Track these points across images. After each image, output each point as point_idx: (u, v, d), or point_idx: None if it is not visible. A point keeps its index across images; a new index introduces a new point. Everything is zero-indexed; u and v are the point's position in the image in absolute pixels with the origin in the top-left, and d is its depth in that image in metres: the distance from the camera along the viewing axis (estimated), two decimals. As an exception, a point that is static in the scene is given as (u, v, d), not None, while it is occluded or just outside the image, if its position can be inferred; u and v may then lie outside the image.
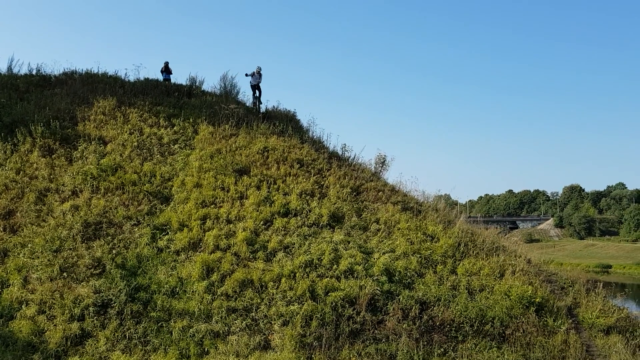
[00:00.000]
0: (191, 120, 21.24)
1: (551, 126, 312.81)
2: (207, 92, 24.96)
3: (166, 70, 25.87)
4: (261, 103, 24.46)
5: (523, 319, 13.03)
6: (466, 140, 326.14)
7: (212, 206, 16.50)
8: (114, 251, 14.33)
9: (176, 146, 19.61)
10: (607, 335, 13.22)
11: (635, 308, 16.14)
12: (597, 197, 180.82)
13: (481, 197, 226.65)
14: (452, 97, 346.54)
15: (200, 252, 14.63)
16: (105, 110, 21.02)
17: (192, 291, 13.29)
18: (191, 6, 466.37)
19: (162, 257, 14.40)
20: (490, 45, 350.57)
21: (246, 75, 24.16)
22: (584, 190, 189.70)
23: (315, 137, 22.28)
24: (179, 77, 26.80)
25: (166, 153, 19.16)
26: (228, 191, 17.24)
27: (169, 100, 23.19)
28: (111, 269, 13.65)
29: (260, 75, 24.01)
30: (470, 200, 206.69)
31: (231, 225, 15.70)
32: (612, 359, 12.01)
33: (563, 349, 12.34)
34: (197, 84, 25.52)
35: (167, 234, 15.25)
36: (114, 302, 12.63)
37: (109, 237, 14.84)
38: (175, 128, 20.71)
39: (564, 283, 16.04)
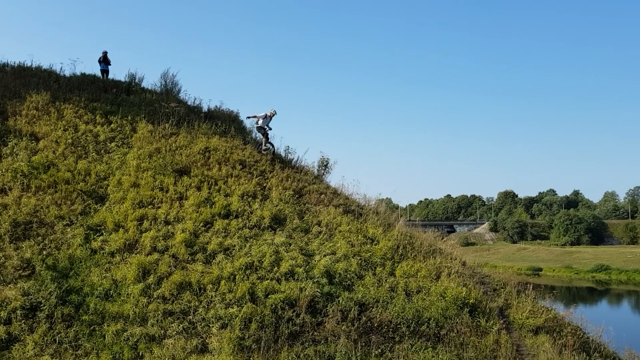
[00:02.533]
0: (129, 117, 20.67)
1: (488, 131, 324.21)
2: (147, 90, 24.38)
3: (104, 61, 25.06)
4: (273, 147, 21.27)
5: (457, 320, 13.41)
6: (408, 144, 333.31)
7: (149, 207, 16.11)
8: (44, 252, 13.71)
9: (113, 144, 19.04)
10: (535, 335, 13.79)
11: (563, 309, 16.92)
12: (529, 202, 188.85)
13: (421, 201, 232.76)
14: (395, 99, 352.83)
15: (136, 253, 14.23)
16: (38, 105, 20.14)
17: (127, 294, 12.90)
18: (122, 11, 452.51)
19: (95, 258, 13.91)
20: (434, 42, 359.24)
21: (249, 117, 21.74)
22: (517, 196, 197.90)
23: (258, 138, 22.16)
24: (116, 74, 25.99)
25: (102, 151, 18.56)
26: (167, 191, 16.88)
27: (107, 96, 22.50)
28: (41, 270, 13.06)
29: (271, 119, 21.14)
30: (410, 205, 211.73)
31: (169, 227, 15.37)
32: (540, 358, 12.54)
33: (495, 348, 12.78)
34: (136, 80, 24.92)
35: (102, 234, 14.76)
36: (44, 305, 12.08)
37: (40, 238, 14.21)
38: (112, 125, 20.10)
39: (497, 285, 16.66)
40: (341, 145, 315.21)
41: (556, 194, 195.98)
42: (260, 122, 20.86)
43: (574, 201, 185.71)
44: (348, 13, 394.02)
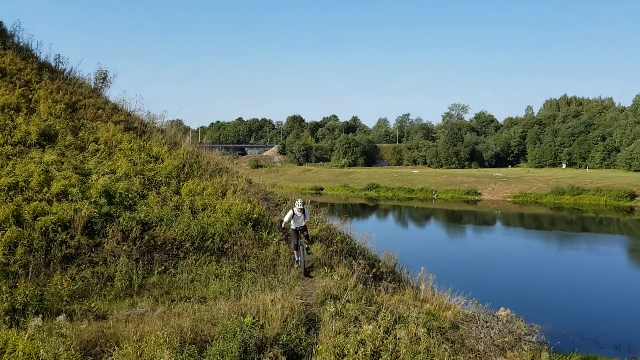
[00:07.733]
0: None
1: (278, 58, 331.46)
2: None
3: None
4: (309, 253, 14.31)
5: (241, 234, 13.90)
6: (197, 64, 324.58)
7: None
8: None
9: None
10: (312, 244, 15.02)
11: (335, 221, 18.67)
12: (314, 127, 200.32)
13: (213, 123, 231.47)
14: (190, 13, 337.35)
15: None
16: None
17: None
18: None
19: None
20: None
21: (282, 223, 14.02)
22: (304, 120, 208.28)
23: (22, 43, 19.31)
24: None
25: None
26: None
27: None
28: None
29: (303, 212, 14.02)
30: (202, 127, 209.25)
31: None
32: (314, 263, 13.75)
33: (274, 258, 13.62)
34: None
35: None
36: None
37: None
38: None
39: (279, 200, 17.58)
40: (123, 60, 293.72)
41: (338, 120, 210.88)
42: (293, 224, 13.95)
43: (352, 126, 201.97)
44: None
